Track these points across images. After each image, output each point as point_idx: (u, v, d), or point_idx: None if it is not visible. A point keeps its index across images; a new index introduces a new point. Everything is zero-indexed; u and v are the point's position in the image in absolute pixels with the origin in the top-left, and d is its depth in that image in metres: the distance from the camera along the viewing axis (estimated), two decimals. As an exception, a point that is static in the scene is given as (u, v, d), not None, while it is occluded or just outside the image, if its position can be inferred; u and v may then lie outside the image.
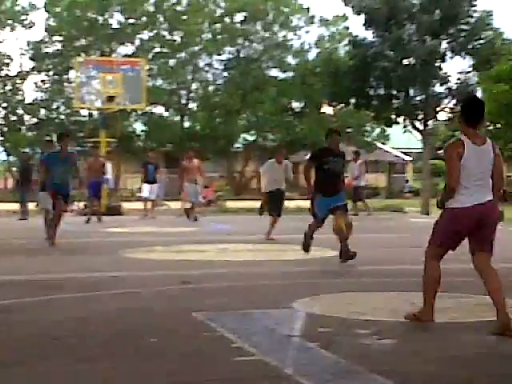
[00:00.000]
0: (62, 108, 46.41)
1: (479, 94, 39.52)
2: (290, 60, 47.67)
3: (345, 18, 46.60)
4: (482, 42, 35.90)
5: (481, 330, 6.91)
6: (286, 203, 18.51)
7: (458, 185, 6.70)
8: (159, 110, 47.92)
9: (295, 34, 48.30)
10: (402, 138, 47.30)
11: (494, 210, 6.90)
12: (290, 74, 46.98)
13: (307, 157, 15.03)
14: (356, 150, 30.09)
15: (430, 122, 36.74)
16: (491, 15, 36.63)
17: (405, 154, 54.83)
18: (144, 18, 46.28)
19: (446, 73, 35.83)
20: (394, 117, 35.78)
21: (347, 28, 46.67)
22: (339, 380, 5.37)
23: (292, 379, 5.28)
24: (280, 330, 6.95)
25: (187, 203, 24.36)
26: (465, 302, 8.37)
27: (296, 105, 47.85)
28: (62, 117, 46.67)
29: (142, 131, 47.63)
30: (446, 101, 35.36)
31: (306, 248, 12.63)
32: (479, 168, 6.75)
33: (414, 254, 10.51)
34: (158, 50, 46.93)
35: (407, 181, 54.55)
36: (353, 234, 12.22)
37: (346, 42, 41.37)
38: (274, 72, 48.08)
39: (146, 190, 25.35)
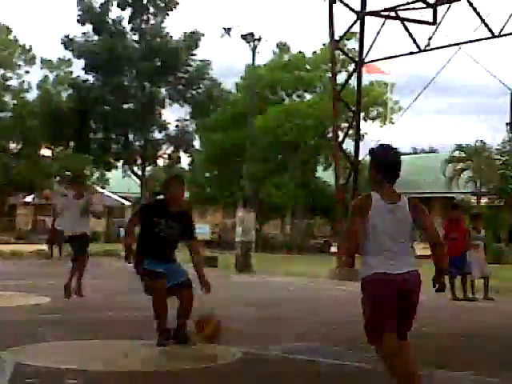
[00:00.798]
0: None
1: (197, 141, 40.77)
2: (8, 100, 46.37)
3: (70, 62, 46.18)
4: (199, 91, 37.02)
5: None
6: (1, 247, 17.77)
7: (361, 248, 5.57)
8: None
9: (15, 74, 47.14)
10: (122, 183, 47.54)
11: (417, 284, 5.63)
12: (8, 113, 45.68)
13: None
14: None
15: (148, 168, 37.32)
16: (209, 65, 37.93)
17: (124, 198, 54.97)
18: None
19: (165, 120, 36.58)
20: (113, 161, 35.89)
21: (71, 72, 46.23)
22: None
23: None
24: (-15, 382, 6.70)
25: None
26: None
27: (13, 146, 46.54)
28: None
29: None
30: (164, 147, 36.05)
31: (165, 339, 8.43)
32: (393, 229, 5.55)
33: (129, 300, 10.57)
34: None
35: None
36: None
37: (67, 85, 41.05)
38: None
39: None
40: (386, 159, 5.67)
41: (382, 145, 5.99)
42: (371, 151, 5.80)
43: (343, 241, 5.43)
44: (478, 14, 20.51)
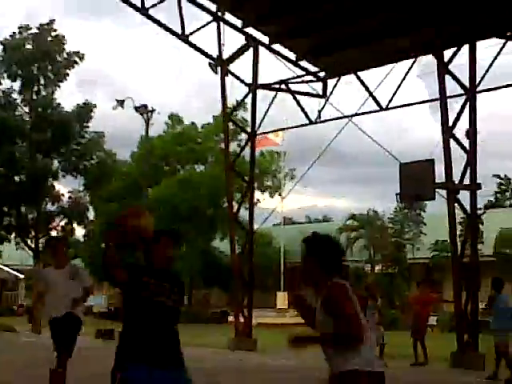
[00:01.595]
0: None
1: (91, 213, 40.37)
2: None
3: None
4: (93, 162, 36.84)
5: None
6: None
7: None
8: None
9: None
10: (15, 255, 46.59)
11: None
12: None
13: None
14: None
15: (42, 240, 36.71)
16: (103, 137, 37.86)
17: (17, 271, 53.77)
18: None
19: (58, 191, 36.19)
20: (5, 234, 35.30)
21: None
22: None
23: None
24: None
25: None
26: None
27: None
28: None
29: None
30: (57, 219, 35.62)
31: None
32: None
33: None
34: None
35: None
36: None
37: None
38: None
39: None
40: (337, 254, 4.99)
41: (322, 236, 5.14)
42: (314, 241, 5.04)
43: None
44: (366, 87, 21.16)
